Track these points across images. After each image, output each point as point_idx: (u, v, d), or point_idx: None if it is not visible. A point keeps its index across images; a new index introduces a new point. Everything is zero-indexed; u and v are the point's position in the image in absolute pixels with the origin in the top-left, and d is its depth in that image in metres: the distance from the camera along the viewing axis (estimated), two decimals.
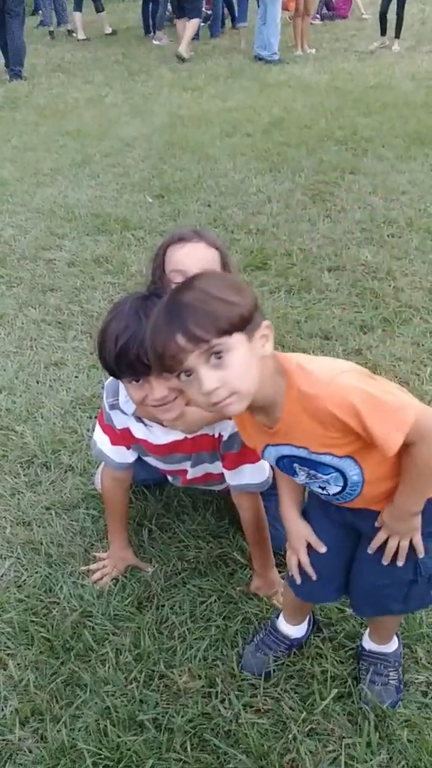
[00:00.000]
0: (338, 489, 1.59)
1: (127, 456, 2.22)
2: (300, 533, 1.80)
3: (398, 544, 1.65)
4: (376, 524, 1.66)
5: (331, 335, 3.62)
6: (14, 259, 4.67)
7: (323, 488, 1.61)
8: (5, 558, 2.43)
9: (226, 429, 2.02)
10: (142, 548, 2.45)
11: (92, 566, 2.37)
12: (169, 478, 2.34)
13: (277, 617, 2.06)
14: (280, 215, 5.16)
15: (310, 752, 1.81)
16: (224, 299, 1.34)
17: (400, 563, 1.67)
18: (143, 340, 1.67)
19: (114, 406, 2.11)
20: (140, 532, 2.51)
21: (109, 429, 2.18)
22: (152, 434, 2.10)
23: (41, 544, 2.48)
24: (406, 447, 1.47)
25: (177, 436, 2.06)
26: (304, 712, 1.90)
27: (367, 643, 1.97)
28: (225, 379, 1.34)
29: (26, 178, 6.28)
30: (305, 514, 1.83)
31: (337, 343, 3.54)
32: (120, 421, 2.13)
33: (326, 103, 8.23)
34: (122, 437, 2.17)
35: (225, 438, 2.03)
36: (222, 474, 2.13)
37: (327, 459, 1.52)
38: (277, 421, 1.50)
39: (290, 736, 1.85)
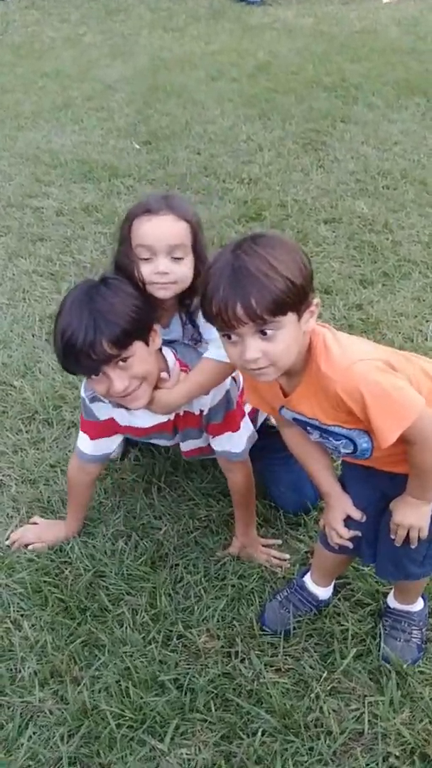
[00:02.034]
0: (349, 451, 1.64)
1: (107, 446, 2.19)
2: (339, 505, 1.78)
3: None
4: (390, 506, 1.70)
5: (332, 289, 3.56)
6: (0, 207, 4.51)
7: (335, 448, 1.65)
8: (12, 517, 2.39)
9: (205, 405, 2.00)
10: (153, 507, 2.41)
11: (17, 532, 2.32)
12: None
13: (302, 576, 2.04)
14: (272, 164, 5.03)
15: (334, 711, 1.82)
16: (288, 277, 1.36)
17: (413, 546, 1.71)
18: (87, 337, 1.69)
19: (94, 399, 2.07)
20: (150, 490, 2.47)
21: (89, 425, 2.15)
22: (136, 418, 2.06)
23: (48, 502, 2.44)
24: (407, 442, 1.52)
25: (161, 418, 2.04)
26: (326, 671, 1.90)
27: (392, 602, 1.97)
28: (268, 352, 1.40)
29: (6, 121, 6.04)
30: (341, 480, 1.82)
31: (337, 298, 3.49)
32: (103, 412, 2.10)
33: (312, 48, 8.01)
34: (107, 428, 2.13)
35: (206, 412, 2.02)
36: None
37: (337, 430, 1.57)
38: (293, 389, 1.56)
39: (312, 695, 1.85)
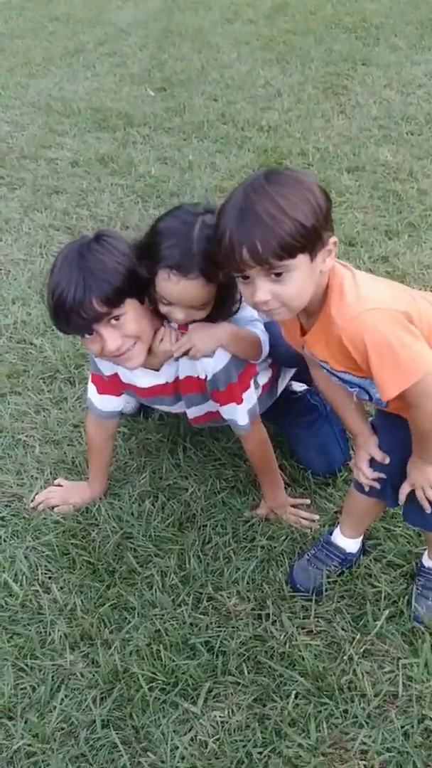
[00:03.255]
0: (366, 398, 1.64)
1: (114, 404, 2.16)
2: (365, 445, 1.77)
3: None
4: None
5: (356, 241, 3.46)
6: (14, 158, 4.40)
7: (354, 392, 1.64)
8: (36, 478, 2.36)
9: (208, 369, 1.94)
10: (179, 467, 2.37)
11: (41, 494, 2.29)
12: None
13: (331, 533, 2.01)
14: (291, 111, 4.88)
15: (367, 673, 1.80)
16: (296, 219, 1.31)
17: (427, 510, 1.70)
18: (77, 295, 1.66)
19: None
20: (175, 450, 2.44)
21: (97, 378, 2.13)
22: (135, 377, 2.03)
23: (72, 463, 2.41)
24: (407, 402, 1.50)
25: (158, 380, 2.02)
26: (358, 633, 1.88)
27: (427, 561, 1.94)
28: (279, 294, 1.37)
29: (17, 68, 5.87)
30: (372, 422, 1.80)
31: (362, 250, 3.39)
32: (107, 367, 2.06)
33: None
34: (111, 384, 2.11)
35: (209, 377, 1.95)
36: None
37: (347, 377, 1.55)
38: (310, 329, 1.54)
39: (345, 657, 1.83)
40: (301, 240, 1.32)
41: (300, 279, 1.36)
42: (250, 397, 2.02)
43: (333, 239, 1.40)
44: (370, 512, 1.97)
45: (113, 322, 1.74)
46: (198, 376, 1.97)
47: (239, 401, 1.99)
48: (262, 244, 1.30)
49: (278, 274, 1.35)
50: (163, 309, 1.80)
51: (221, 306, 1.84)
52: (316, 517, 2.18)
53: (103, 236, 1.76)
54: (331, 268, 1.45)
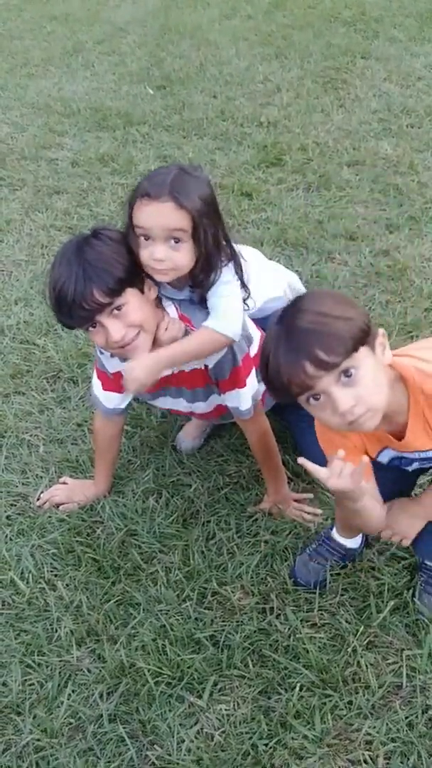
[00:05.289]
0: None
1: (118, 401, 2.17)
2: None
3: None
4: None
5: (357, 235, 3.46)
6: (14, 159, 4.42)
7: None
8: (41, 477, 2.38)
9: (210, 359, 1.95)
10: (182, 464, 2.39)
11: (47, 492, 2.31)
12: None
13: (331, 528, 2.03)
14: (291, 106, 4.87)
15: (371, 665, 1.81)
16: (341, 316, 1.32)
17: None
18: (77, 287, 1.69)
19: (104, 350, 2.03)
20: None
21: (101, 374, 2.14)
22: None
23: (77, 461, 2.43)
24: None
25: (163, 372, 1.99)
26: (362, 626, 1.89)
27: (428, 557, 1.94)
28: (359, 395, 1.35)
29: (16, 69, 5.88)
30: None
31: (363, 244, 3.40)
32: (112, 365, 2.07)
33: None
34: (116, 382, 2.10)
35: (211, 366, 1.97)
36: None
37: None
38: (403, 427, 1.50)
39: (349, 649, 1.85)
40: (356, 332, 1.33)
41: (371, 373, 1.36)
42: (253, 381, 2.03)
43: (381, 331, 1.41)
44: None
45: (115, 312, 1.76)
46: (202, 367, 1.98)
47: (242, 385, 2.01)
48: (322, 348, 1.30)
49: (348, 374, 1.34)
50: (143, 254, 1.75)
51: (204, 269, 1.80)
52: (320, 511, 2.20)
53: (100, 231, 1.79)
54: (396, 363, 1.46)
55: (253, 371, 2.03)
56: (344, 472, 1.44)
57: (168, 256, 1.74)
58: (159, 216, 1.70)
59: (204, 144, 4.46)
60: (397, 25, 6.19)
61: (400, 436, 1.53)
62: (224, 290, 1.86)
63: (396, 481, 1.75)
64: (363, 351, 1.35)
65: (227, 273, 1.85)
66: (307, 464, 1.45)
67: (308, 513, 2.19)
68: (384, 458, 1.63)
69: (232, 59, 5.72)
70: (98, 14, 7.16)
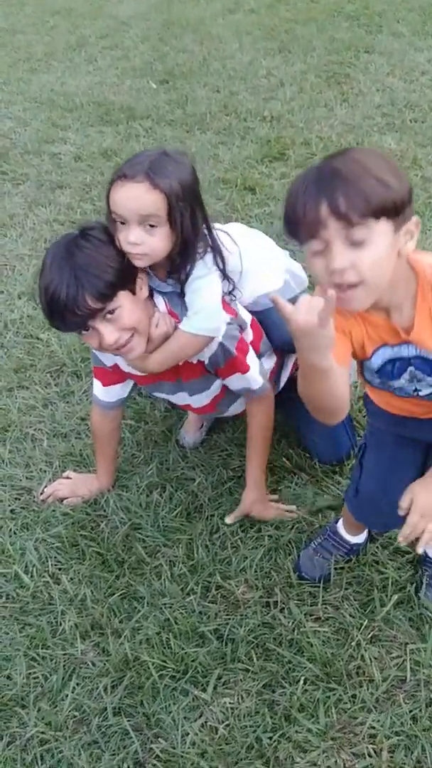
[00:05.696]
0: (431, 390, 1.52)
1: (119, 392, 2.19)
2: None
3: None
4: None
5: None
6: (17, 154, 4.42)
7: (416, 390, 1.51)
8: (45, 471, 2.38)
9: (203, 355, 1.95)
10: (186, 458, 2.39)
11: (50, 486, 2.32)
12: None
13: (336, 522, 2.03)
14: (294, 100, 4.86)
15: (375, 658, 1.82)
16: (382, 179, 1.19)
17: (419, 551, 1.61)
18: (69, 293, 1.66)
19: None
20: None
21: (99, 371, 2.14)
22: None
23: (80, 455, 2.43)
24: None
25: None
26: (366, 620, 1.89)
27: (430, 549, 1.94)
28: (358, 263, 1.22)
29: (19, 63, 5.88)
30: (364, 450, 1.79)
31: None
32: (108, 358, 2.07)
33: None
34: (114, 374, 2.12)
35: (206, 362, 1.97)
36: (224, 390, 2.11)
37: None
38: (410, 320, 1.38)
39: (353, 643, 1.85)
40: (387, 201, 1.19)
41: (381, 250, 1.22)
42: (254, 360, 2.03)
43: (415, 218, 1.27)
44: None
45: (108, 316, 1.74)
46: (194, 362, 1.98)
47: (245, 370, 2.01)
48: (346, 197, 1.17)
49: (358, 243, 1.21)
50: (119, 237, 1.73)
51: (182, 255, 1.79)
52: (294, 507, 2.19)
53: (88, 231, 1.75)
54: (411, 257, 1.32)
55: (251, 350, 2.03)
56: (312, 304, 1.24)
57: (142, 240, 1.71)
58: (131, 198, 1.68)
59: (207, 138, 4.45)
60: (401, 19, 6.17)
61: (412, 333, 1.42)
62: (199, 284, 1.84)
63: (414, 480, 1.72)
64: (384, 225, 1.21)
65: (201, 267, 1.83)
66: (278, 300, 1.26)
67: (286, 510, 2.19)
68: (378, 359, 1.50)
69: (235, 53, 5.70)
70: (101, 9, 7.15)
